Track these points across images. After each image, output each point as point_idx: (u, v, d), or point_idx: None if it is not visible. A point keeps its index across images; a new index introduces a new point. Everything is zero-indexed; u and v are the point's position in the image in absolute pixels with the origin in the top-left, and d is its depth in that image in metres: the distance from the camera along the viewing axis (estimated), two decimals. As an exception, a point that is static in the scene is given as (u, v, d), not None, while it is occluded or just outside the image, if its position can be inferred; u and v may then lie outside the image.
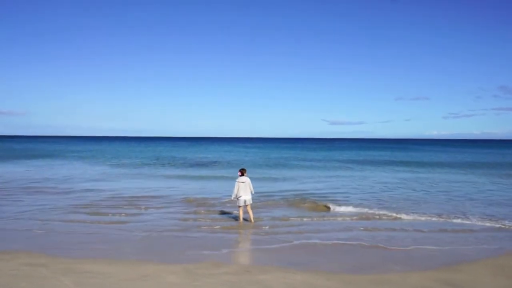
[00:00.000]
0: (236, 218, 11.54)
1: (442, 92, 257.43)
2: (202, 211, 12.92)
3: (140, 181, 21.46)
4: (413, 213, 12.81)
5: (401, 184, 20.91)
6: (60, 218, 11.57)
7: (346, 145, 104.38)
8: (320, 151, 62.87)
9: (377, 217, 12.28)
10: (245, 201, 11.06)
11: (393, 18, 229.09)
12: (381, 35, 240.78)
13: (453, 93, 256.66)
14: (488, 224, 11.32)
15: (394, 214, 12.53)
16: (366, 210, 13.19)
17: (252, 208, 11.38)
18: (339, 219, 11.93)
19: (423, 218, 12.09)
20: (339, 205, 13.84)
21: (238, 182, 11.12)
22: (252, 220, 11.08)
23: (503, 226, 11.07)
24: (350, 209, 13.32)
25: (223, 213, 12.62)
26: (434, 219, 12.01)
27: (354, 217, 12.13)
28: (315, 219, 11.85)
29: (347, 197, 16.18)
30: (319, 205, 14.06)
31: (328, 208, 13.53)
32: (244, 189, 11.04)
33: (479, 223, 11.45)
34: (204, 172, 26.60)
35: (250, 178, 11.56)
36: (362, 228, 10.71)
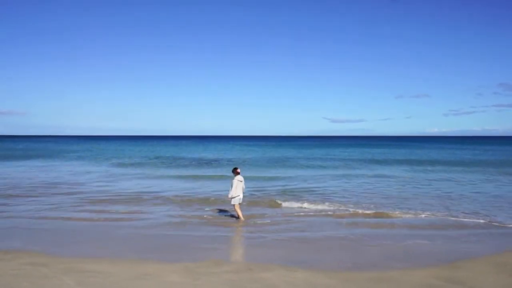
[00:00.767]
0: (235, 216, 11.53)
1: (443, 90, 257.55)
2: (202, 210, 12.91)
3: (140, 180, 21.46)
4: (409, 210, 12.82)
5: (399, 181, 20.90)
6: (61, 217, 11.57)
7: (347, 143, 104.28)
8: (321, 149, 62.85)
9: (372, 215, 12.27)
10: (240, 200, 11.19)
11: (393, 16, 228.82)
12: (381, 33, 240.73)
13: (454, 90, 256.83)
14: (486, 221, 11.29)
15: (390, 212, 12.53)
16: (360, 209, 13.14)
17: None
18: (324, 216, 11.92)
19: (419, 215, 12.08)
20: (309, 202, 13.98)
21: (237, 180, 11.15)
22: (242, 218, 11.19)
23: (500, 224, 11.03)
24: (320, 206, 13.32)
25: (223, 211, 12.62)
26: (431, 217, 11.98)
27: (352, 214, 12.11)
28: (299, 215, 11.83)
29: (337, 195, 16.16)
30: (277, 202, 14.14)
31: (279, 204, 13.79)
32: (240, 188, 11.17)
33: (476, 220, 11.43)
34: (204, 171, 26.59)
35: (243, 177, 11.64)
36: (361, 226, 10.71)
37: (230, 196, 11.14)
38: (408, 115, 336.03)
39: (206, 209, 13.10)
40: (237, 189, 11.10)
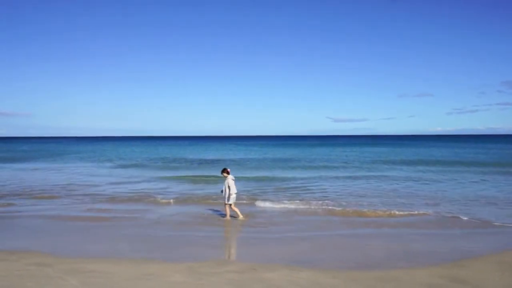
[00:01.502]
0: (235, 216, 11.54)
1: (446, 88, 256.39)
2: (205, 210, 12.92)
3: (143, 180, 21.53)
4: (411, 209, 12.80)
5: (400, 181, 20.86)
6: (65, 217, 11.61)
7: (349, 142, 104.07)
8: (323, 149, 62.76)
9: (373, 214, 12.24)
10: (234, 198, 11.30)
11: (395, 15, 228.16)
12: (384, 32, 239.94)
13: (457, 89, 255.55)
14: (487, 221, 11.23)
15: (392, 211, 12.51)
16: (361, 207, 13.10)
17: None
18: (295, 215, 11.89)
19: (421, 215, 12.06)
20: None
21: (231, 180, 11.31)
22: (228, 217, 11.31)
23: (503, 224, 10.97)
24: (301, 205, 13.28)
25: (224, 211, 12.60)
26: (433, 216, 11.95)
27: (350, 213, 12.09)
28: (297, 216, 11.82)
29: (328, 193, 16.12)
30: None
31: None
32: (234, 187, 11.33)
33: (478, 219, 11.38)
34: (206, 171, 26.63)
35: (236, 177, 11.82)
36: (363, 225, 10.69)
37: (226, 195, 11.23)
38: (411, 114, 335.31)
39: (208, 209, 13.11)
40: (232, 188, 11.21)
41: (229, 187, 11.24)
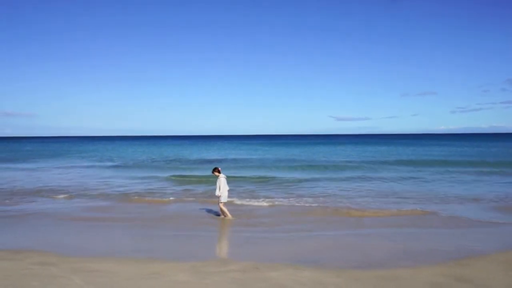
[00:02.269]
0: (234, 215, 11.54)
1: (449, 87, 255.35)
2: (207, 209, 12.94)
3: (145, 180, 21.56)
4: (413, 208, 12.81)
5: (400, 181, 20.83)
6: (69, 217, 11.66)
7: (351, 141, 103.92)
8: (325, 148, 62.69)
9: (373, 213, 12.23)
10: (226, 198, 11.42)
11: (398, 14, 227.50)
12: (386, 31, 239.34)
13: (461, 87, 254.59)
14: (488, 220, 11.20)
15: (394, 210, 12.54)
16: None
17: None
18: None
19: (423, 214, 12.05)
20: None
21: (223, 179, 11.40)
22: (229, 216, 11.34)
23: (505, 222, 10.93)
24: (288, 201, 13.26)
25: (228, 211, 12.62)
26: (435, 215, 11.93)
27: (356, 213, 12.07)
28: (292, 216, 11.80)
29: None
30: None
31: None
32: (226, 186, 11.39)
33: (479, 219, 11.36)
34: (208, 171, 26.57)
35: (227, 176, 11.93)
36: (365, 224, 10.68)
37: (218, 194, 11.28)
38: (414, 113, 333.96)
39: (210, 208, 13.12)
40: (225, 187, 11.29)
41: (219, 186, 11.27)
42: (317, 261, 7.42)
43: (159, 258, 7.54)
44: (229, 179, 12.02)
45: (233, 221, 11.16)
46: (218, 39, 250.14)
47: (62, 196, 16.03)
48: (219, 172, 11.53)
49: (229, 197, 11.79)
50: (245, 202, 14.18)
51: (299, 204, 13.74)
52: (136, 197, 15.52)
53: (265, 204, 13.90)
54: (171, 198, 15.26)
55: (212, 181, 21.43)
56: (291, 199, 14.79)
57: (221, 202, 11.39)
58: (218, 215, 11.63)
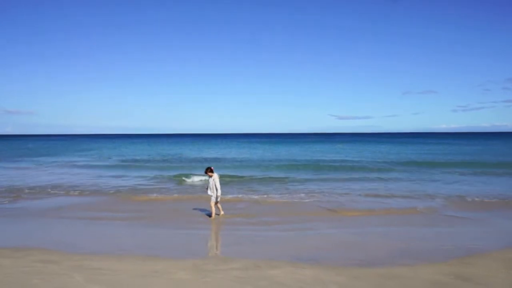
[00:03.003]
0: (234, 214, 11.55)
1: (450, 86, 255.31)
2: (207, 209, 12.94)
3: (146, 178, 21.58)
4: (412, 207, 12.80)
5: (401, 180, 20.81)
6: (70, 214, 11.68)
7: (352, 139, 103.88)
8: (325, 146, 62.67)
9: (377, 212, 12.23)
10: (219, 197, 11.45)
11: (399, 13, 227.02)
12: (388, 30, 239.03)
13: (462, 86, 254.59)
14: (490, 217, 11.21)
15: (394, 210, 12.50)
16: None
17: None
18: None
19: (422, 213, 12.05)
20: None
21: (217, 178, 11.40)
22: (213, 216, 11.34)
23: (506, 220, 10.94)
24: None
25: (227, 209, 12.64)
26: (435, 214, 11.96)
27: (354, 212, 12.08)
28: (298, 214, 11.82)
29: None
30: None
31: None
32: (219, 186, 11.39)
33: (480, 218, 11.35)
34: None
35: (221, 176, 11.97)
36: (365, 223, 10.69)
37: (212, 194, 11.29)
38: (415, 112, 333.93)
39: (209, 207, 13.11)
40: (218, 187, 11.30)
41: (215, 185, 11.28)
42: (317, 259, 7.44)
43: (160, 256, 7.56)
44: (229, 178, 12.03)
45: (236, 220, 11.17)
46: (219, 37, 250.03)
47: (63, 193, 16.05)
48: (212, 171, 11.49)
49: (229, 195, 11.78)
50: (245, 200, 14.20)
51: (299, 203, 13.76)
52: (136, 195, 15.54)
53: (265, 202, 13.91)
54: (172, 196, 15.29)
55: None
56: (291, 197, 14.80)
57: (213, 201, 11.40)
58: (217, 214, 11.66)
